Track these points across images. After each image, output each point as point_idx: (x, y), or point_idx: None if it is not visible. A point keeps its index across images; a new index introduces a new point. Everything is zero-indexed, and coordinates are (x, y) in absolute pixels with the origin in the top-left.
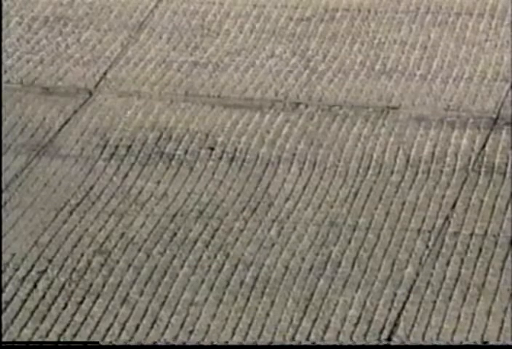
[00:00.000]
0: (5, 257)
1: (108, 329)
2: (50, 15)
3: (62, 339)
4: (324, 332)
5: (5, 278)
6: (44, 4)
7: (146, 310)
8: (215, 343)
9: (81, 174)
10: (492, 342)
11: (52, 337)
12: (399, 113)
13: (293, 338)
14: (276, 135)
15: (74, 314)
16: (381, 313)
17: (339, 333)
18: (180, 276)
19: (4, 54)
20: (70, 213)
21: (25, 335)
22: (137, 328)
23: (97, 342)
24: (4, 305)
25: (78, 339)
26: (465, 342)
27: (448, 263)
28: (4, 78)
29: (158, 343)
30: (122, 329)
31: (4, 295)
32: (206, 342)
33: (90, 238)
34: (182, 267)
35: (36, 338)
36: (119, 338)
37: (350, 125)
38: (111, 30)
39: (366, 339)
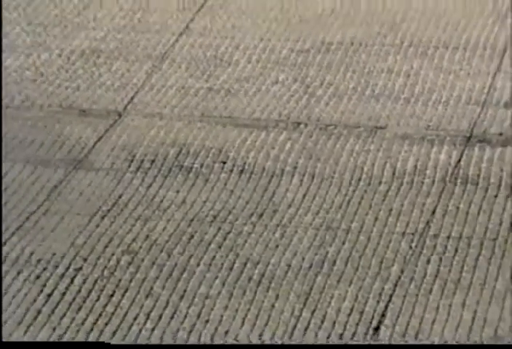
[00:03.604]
0: (46, 256)
1: (135, 319)
2: (86, 48)
3: (95, 328)
4: (322, 322)
5: (46, 274)
6: (80, 39)
7: (167, 302)
8: (227, 331)
9: (112, 184)
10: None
11: (87, 326)
12: (386, 132)
13: (294, 326)
14: (280, 151)
15: (105, 305)
16: (371, 305)
17: (334, 322)
18: (196, 273)
19: (46, 83)
20: (102, 218)
21: (64, 323)
22: (160, 317)
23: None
24: (46, 298)
25: (109, 327)
26: (446, 334)
27: (428, 262)
28: (47, 102)
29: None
30: (147, 319)
31: (45, 289)
32: (220, 331)
33: (119, 240)
34: (198, 265)
35: (73, 326)
36: (144, 326)
37: (344, 142)
38: (138, 61)
39: (358, 328)
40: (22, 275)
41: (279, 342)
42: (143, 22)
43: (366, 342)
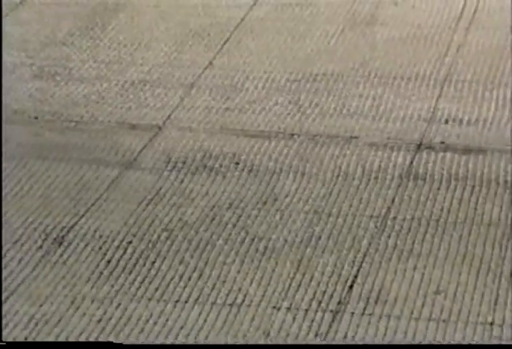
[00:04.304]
0: (106, 233)
1: (171, 279)
2: (135, 79)
3: (142, 286)
4: (310, 281)
5: (106, 246)
6: (131, 72)
7: (195, 268)
8: (239, 288)
9: (153, 180)
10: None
11: (136, 284)
12: (358, 141)
13: (290, 285)
14: (279, 155)
15: (150, 269)
16: (346, 270)
17: (319, 282)
18: (216, 246)
19: (106, 104)
20: (147, 205)
21: (120, 282)
22: (190, 278)
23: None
24: (106, 263)
25: (152, 285)
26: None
27: (389, 237)
28: (106, 118)
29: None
30: (180, 280)
31: (106, 257)
32: (234, 288)
33: (159, 221)
34: (218, 240)
35: (126, 284)
36: (178, 285)
37: (327, 148)
38: (173, 88)
39: (337, 286)
40: (89, 246)
41: (279, 295)
42: (178, 59)
43: (344, 298)
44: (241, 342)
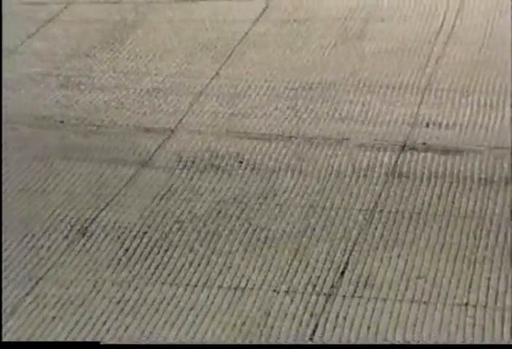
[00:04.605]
0: (124, 224)
1: (182, 266)
2: (150, 88)
3: (156, 272)
4: (306, 267)
5: (124, 236)
6: (147, 82)
7: (203, 256)
8: (243, 274)
9: (166, 177)
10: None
11: (151, 270)
12: (349, 142)
13: (288, 271)
14: (278, 155)
15: (163, 257)
16: (338, 257)
17: (314, 268)
18: (223, 236)
19: (124, 110)
20: (160, 199)
21: (136, 268)
22: (199, 265)
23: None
24: (124, 251)
25: (166, 271)
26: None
27: (376, 228)
28: (125, 122)
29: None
30: (190, 266)
31: (124, 245)
32: (238, 274)
33: (171, 214)
34: (224, 230)
35: (142, 270)
36: (188, 270)
37: (321, 149)
38: (184, 95)
39: (330, 272)
40: (109, 236)
41: (278, 280)
42: (188, 70)
43: (336, 283)
44: (243, 321)
